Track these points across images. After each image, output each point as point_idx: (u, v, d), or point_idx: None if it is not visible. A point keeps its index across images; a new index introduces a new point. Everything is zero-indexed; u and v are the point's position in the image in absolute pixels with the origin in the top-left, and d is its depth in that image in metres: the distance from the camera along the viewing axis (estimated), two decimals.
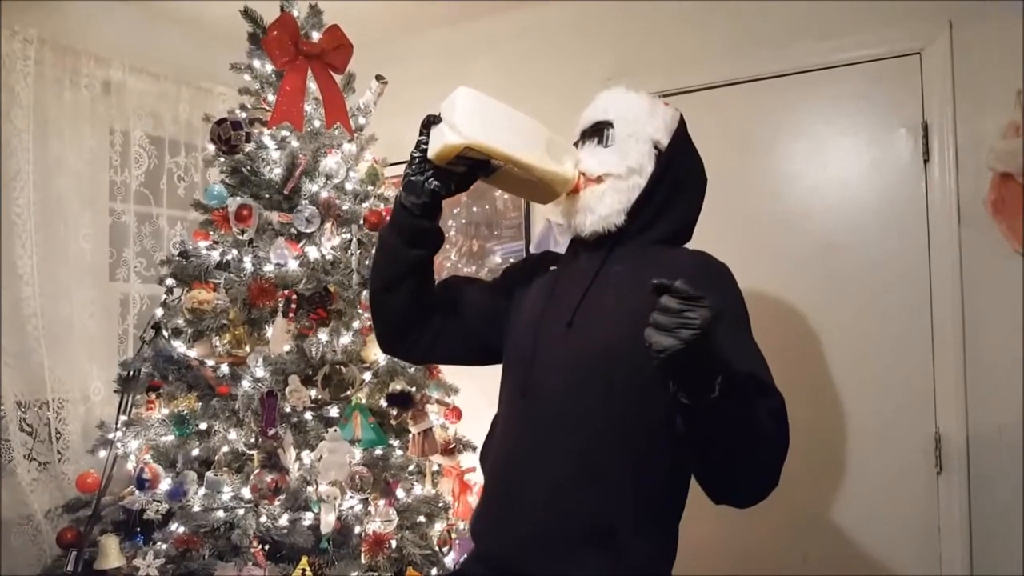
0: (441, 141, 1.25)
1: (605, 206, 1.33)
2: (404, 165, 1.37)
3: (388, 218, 1.41)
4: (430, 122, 1.29)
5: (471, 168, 1.32)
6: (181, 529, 2.00)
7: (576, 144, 1.43)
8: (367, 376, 2.24)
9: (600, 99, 1.43)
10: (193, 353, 2.19)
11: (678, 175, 1.38)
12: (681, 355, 0.95)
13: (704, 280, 1.22)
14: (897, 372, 2.20)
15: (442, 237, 1.41)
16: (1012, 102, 2.05)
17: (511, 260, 2.80)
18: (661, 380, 1.05)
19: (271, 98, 2.31)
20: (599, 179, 1.35)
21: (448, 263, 3.05)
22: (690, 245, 1.45)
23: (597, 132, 1.39)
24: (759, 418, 1.09)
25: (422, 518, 2.21)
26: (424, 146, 1.30)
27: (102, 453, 2.20)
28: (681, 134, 1.41)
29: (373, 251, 1.45)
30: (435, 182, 1.31)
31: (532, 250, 2.82)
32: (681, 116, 1.43)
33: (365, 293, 2.19)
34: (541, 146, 1.32)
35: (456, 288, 1.51)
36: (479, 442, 1.54)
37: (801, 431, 2.33)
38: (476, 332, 1.47)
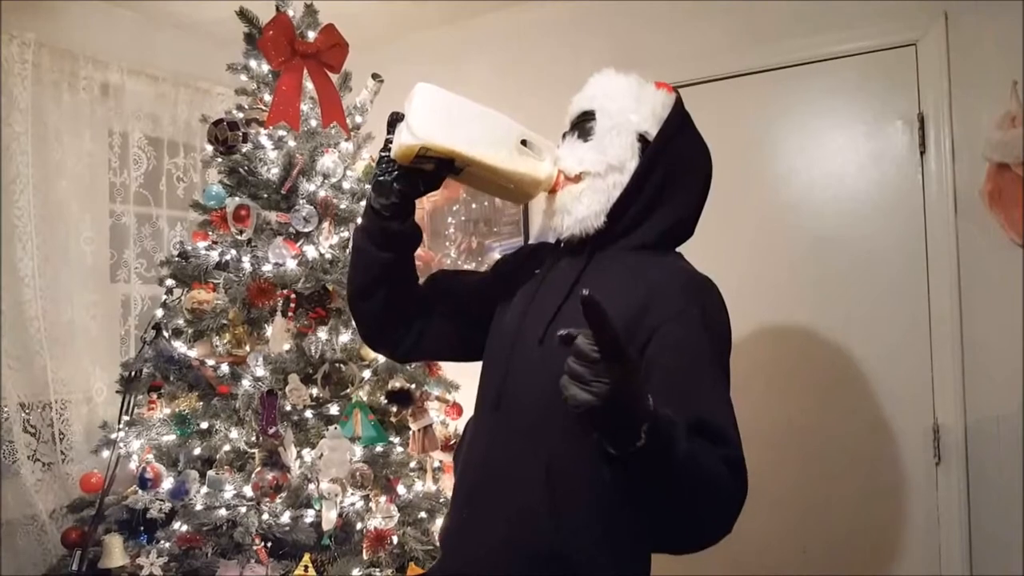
0: (398, 141, 1.20)
1: (583, 207, 1.23)
2: None
3: (361, 219, 1.34)
4: (395, 120, 1.23)
5: (438, 167, 1.24)
6: (184, 527, 2.02)
7: (564, 136, 1.34)
8: (367, 374, 2.25)
9: (588, 85, 1.33)
10: (194, 353, 2.21)
11: (670, 168, 1.25)
12: (599, 408, 0.88)
13: (672, 299, 1.16)
14: (895, 364, 2.20)
15: (417, 238, 1.33)
16: (1008, 93, 2.04)
17: None
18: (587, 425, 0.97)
19: (268, 98, 2.32)
20: (577, 178, 1.25)
21: (448, 260, 3.06)
22: (689, 243, 1.34)
23: (581, 125, 1.29)
24: (703, 466, 1.00)
25: (423, 514, 2.22)
26: (391, 145, 1.24)
27: (105, 453, 2.21)
28: (675, 121, 1.27)
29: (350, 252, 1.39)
30: (402, 182, 1.24)
31: (533, 240, 2.83)
32: (677, 99, 1.30)
33: None
34: (510, 145, 1.25)
35: (443, 284, 1.45)
36: None
37: (800, 423, 2.35)
38: (460, 330, 1.43)
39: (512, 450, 1.23)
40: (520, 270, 1.41)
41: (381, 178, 1.26)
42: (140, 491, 2.11)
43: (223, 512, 2.03)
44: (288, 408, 2.12)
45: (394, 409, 2.29)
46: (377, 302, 1.35)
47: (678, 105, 1.30)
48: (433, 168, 1.24)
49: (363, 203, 2.34)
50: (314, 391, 2.17)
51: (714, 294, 1.22)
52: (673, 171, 1.26)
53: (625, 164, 1.24)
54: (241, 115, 2.30)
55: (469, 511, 1.28)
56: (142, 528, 2.12)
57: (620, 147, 1.24)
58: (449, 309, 1.43)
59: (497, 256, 2.93)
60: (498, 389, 1.27)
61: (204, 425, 2.16)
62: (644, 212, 1.25)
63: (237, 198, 2.24)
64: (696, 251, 1.36)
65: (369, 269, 1.33)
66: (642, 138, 1.25)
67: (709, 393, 1.12)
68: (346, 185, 2.35)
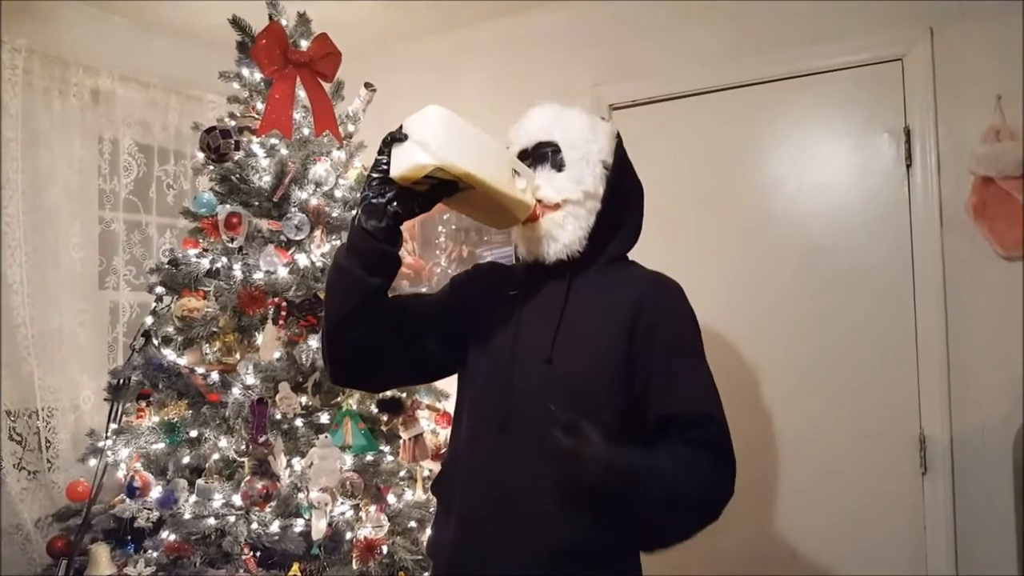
0: (409, 161, 1.17)
1: (567, 233, 1.33)
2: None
3: (345, 243, 1.29)
4: (392, 140, 1.20)
5: (435, 189, 1.23)
6: (172, 537, 2.00)
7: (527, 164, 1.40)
8: None
9: (536, 118, 1.41)
10: (183, 361, 2.20)
11: (625, 192, 1.40)
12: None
13: (663, 303, 1.33)
14: (882, 374, 2.22)
15: (399, 264, 1.31)
16: (992, 107, 2.08)
17: None
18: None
19: (260, 106, 2.32)
20: (556, 206, 1.34)
21: (438, 269, 3.06)
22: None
23: (543, 155, 1.37)
24: (670, 479, 1.19)
25: (413, 523, 2.21)
26: (384, 166, 1.21)
27: (92, 461, 2.20)
28: (621, 150, 1.42)
29: (327, 280, 1.34)
30: (397, 204, 1.22)
31: None
32: (618, 131, 1.44)
33: None
34: (507, 170, 1.28)
35: (404, 311, 1.41)
36: None
37: (788, 433, 2.37)
38: (428, 355, 1.42)
39: (526, 466, 1.27)
40: (488, 294, 1.44)
41: (374, 200, 1.22)
42: (128, 500, 2.09)
43: (212, 521, 2.01)
44: (278, 416, 2.11)
45: (384, 418, 2.29)
46: (359, 332, 1.30)
47: (619, 134, 1.44)
48: (428, 189, 1.23)
49: (354, 212, 2.33)
50: (304, 399, 2.17)
51: (681, 291, 1.38)
52: (628, 192, 1.43)
53: (598, 190, 1.36)
54: (233, 123, 2.30)
55: (486, 527, 1.30)
56: (129, 537, 2.10)
57: (593, 176, 1.36)
58: (414, 334, 1.40)
59: None
60: (503, 411, 1.30)
61: (193, 433, 2.15)
62: (613, 230, 1.39)
63: (228, 206, 2.23)
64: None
65: (355, 296, 1.28)
66: (603, 165, 1.38)
67: (694, 381, 1.30)
68: (338, 193, 2.35)
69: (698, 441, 1.24)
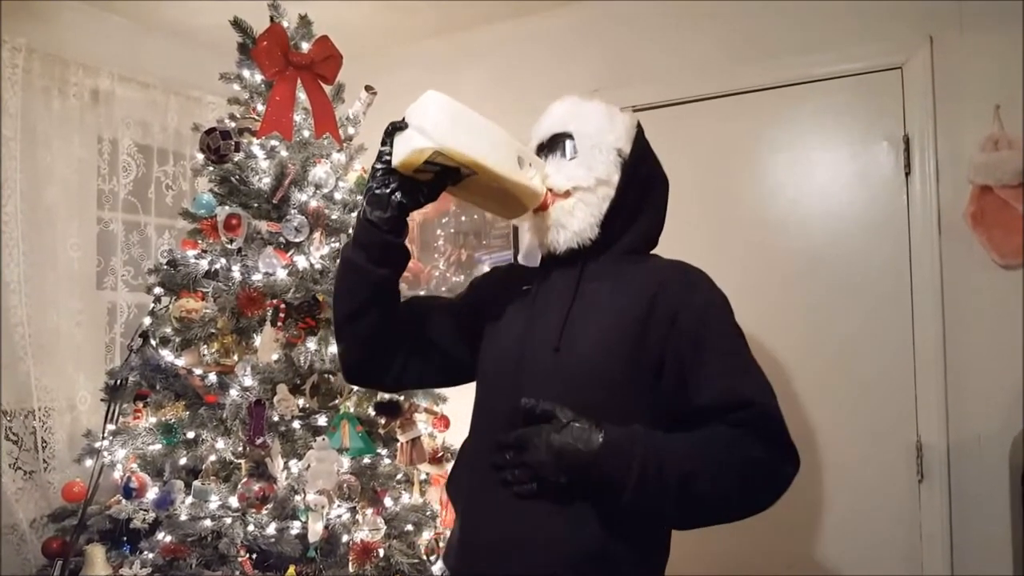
0: (409, 147, 1.17)
1: (577, 221, 1.29)
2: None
3: (352, 236, 1.30)
4: (394, 129, 1.20)
5: (438, 177, 1.23)
6: (168, 538, 1.99)
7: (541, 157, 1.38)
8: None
9: (555, 111, 1.39)
10: (181, 362, 2.19)
11: (644, 181, 1.35)
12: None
13: (684, 288, 1.27)
14: (879, 381, 2.23)
15: (408, 256, 1.31)
16: (991, 116, 2.09)
17: None
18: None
19: (260, 108, 2.32)
20: (567, 193, 1.31)
21: (436, 272, 3.06)
22: (667, 253, 1.42)
23: (557, 146, 1.35)
24: (709, 478, 1.14)
25: (410, 527, 2.20)
26: (387, 156, 1.21)
27: (88, 462, 2.19)
28: (641, 139, 1.37)
29: (336, 274, 1.33)
30: (402, 194, 1.22)
31: (520, 259, 2.83)
32: (639, 122, 1.41)
33: None
34: (512, 157, 1.26)
35: (421, 311, 1.42)
36: None
37: None
38: (447, 355, 1.42)
39: None
40: (504, 288, 1.43)
41: (378, 191, 1.23)
42: (124, 501, 2.09)
43: (208, 523, 2.01)
44: (276, 418, 2.11)
45: (382, 420, 2.29)
46: (368, 326, 1.31)
47: (640, 125, 1.40)
48: (431, 178, 1.23)
49: (354, 214, 2.34)
50: (302, 401, 2.16)
51: (704, 276, 1.33)
52: (648, 181, 1.37)
53: (611, 177, 1.31)
54: (233, 124, 2.30)
55: (487, 530, 1.27)
56: (125, 538, 2.10)
57: (605, 162, 1.31)
58: (434, 334, 1.41)
59: (487, 269, 2.93)
60: (510, 403, 1.25)
61: (190, 435, 2.14)
62: (629, 220, 1.34)
63: (228, 207, 2.23)
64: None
65: (363, 289, 1.29)
66: (619, 155, 1.34)
67: (725, 367, 1.22)
68: (337, 196, 2.35)
69: (735, 423, 1.17)
